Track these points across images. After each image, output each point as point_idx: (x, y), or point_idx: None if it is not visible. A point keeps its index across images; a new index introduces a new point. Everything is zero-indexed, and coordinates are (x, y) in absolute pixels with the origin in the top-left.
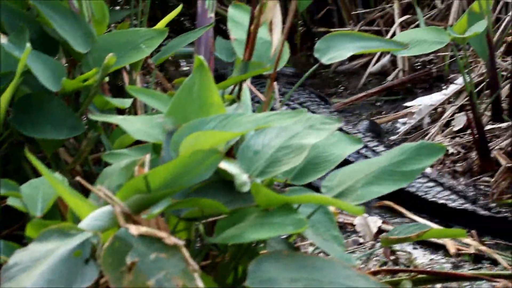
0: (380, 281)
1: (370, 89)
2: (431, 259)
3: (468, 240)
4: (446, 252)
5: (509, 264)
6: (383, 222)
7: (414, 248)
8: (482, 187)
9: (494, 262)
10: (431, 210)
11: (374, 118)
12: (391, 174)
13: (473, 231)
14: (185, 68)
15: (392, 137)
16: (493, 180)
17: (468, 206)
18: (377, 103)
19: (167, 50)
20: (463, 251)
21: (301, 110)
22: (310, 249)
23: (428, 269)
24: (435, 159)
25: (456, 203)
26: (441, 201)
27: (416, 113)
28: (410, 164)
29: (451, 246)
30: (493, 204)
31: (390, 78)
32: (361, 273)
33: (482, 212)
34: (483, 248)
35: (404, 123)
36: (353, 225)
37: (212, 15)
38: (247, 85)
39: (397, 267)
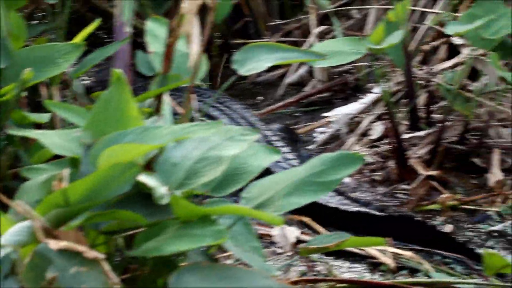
0: None
1: (287, 99)
2: (350, 269)
3: (387, 248)
4: (365, 262)
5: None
6: (301, 233)
7: (334, 258)
8: (400, 195)
9: (413, 270)
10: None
11: (292, 127)
12: (310, 184)
13: (389, 239)
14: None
15: (310, 147)
16: (411, 188)
17: (361, 209)
18: (295, 113)
19: (85, 64)
20: (383, 260)
21: (219, 121)
22: (230, 261)
23: (347, 278)
24: (354, 169)
25: (348, 206)
26: (333, 205)
27: (334, 122)
28: (329, 175)
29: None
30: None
31: (307, 88)
32: (281, 283)
33: (376, 212)
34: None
35: (322, 133)
36: (271, 236)
37: (129, 29)
38: (166, 98)
39: (316, 277)
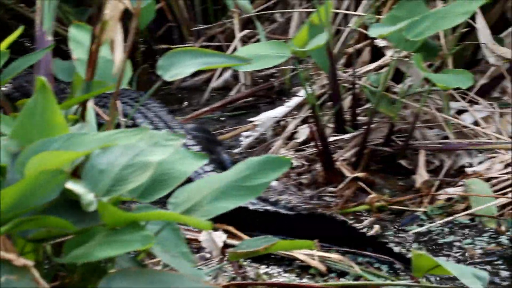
0: None
1: (213, 104)
2: (279, 273)
3: (314, 252)
4: (293, 265)
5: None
6: (229, 237)
7: (263, 263)
8: (327, 198)
9: (342, 273)
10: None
11: (217, 133)
12: (237, 189)
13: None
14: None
15: (236, 150)
16: (338, 189)
17: (270, 208)
18: (221, 118)
19: (9, 72)
20: (311, 263)
21: (145, 128)
22: (159, 267)
23: (277, 282)
24: (281, 172)
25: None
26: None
27: (259, 126)
28: (256, 179)
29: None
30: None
31: (232, 93)
32: (211, 286)
33: (284, 211)
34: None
35: (247, 137)
36: (198, 241)
37: (50, 37)
38: (91, 105)
39: (246, 281)
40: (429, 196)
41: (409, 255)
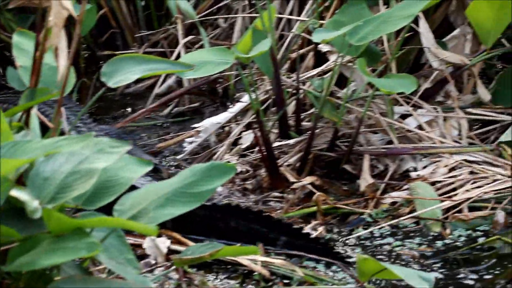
0: None
1: (157, 113)
2: (223, 279)
3: (257, 257)
4: (238, 271)
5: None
6: (174, 243)
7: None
8: (272, 202)
9: (286, 277)
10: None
11: (161, 138)
12: (183, 196)
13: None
14: None
15: (179, 156)
16: (286, 192)
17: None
18: (164, 124)
19: None
20: (255, 269)
21: (88, 134)
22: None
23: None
24: (227, 179)
25: None
26: None
27: (202, 132)
28: (201, 185)
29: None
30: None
31: (176, 99)
32: None
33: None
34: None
35: (191, 143)
36: (142, 248)
37: None
38: (35, 112)
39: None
40: (374, 199)
41: (354, 259)
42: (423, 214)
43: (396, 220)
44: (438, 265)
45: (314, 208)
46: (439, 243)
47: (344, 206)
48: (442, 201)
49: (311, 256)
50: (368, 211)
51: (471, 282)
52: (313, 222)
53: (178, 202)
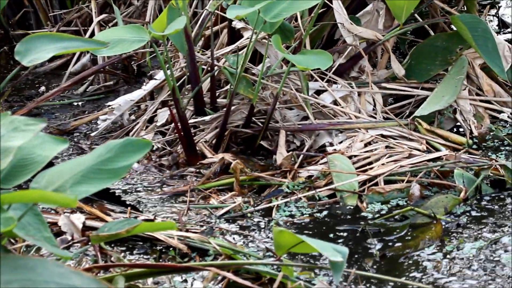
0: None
1: (72, 92)
2: (141, 255)
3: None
4: (156, 246)
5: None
6: (87, 218)
7: (125, 245)
8: (188, 177)
9: (203, 251)
10: None
11: (76, 118)
12: (98, 172)
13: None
14: None
15: (93, 134)
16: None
17: None
18: (79, 103)
19: None
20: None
21: (5, 113)
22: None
23: (140, 263)
24: (142, 154)
25: None
26: None
27: (116, 109)
28: (117, 161)
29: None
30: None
31: (91, 78)
32: (75, 271)
33: None
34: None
35: (104, 120)
36: (58, 225)
37: None
38: None
39: (108, 264)
40: (292, 171)
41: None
42: (340, 186)
43: (313, 192)
44: (351, 236)
45: (231, 179)
46: (355, 215)
47: (262, 175)
48: (359, 174)
49: (224, 228)
50: (286, 180)
51: (381, 251)
52: (230, 193)
53: (94, 179)
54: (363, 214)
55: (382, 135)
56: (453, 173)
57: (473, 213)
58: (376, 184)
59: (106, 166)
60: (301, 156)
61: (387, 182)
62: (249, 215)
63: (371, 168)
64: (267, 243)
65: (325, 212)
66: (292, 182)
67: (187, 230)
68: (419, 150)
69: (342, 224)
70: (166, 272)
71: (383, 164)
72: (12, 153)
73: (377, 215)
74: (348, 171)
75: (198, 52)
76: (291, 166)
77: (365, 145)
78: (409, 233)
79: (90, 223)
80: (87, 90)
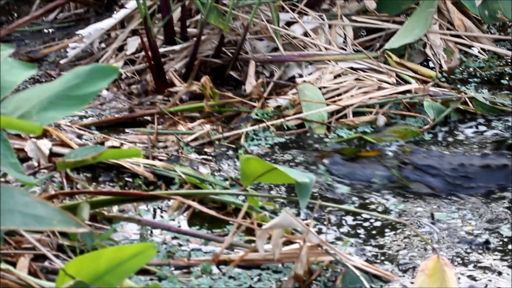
0: (58, 205)
1: (42, 19)
2: (108, 182)
3: (140, 160)
4: (123, 174)
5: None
6: (54, 145)
7: (91, 172)
8: (158, 103)
9: (169, 179)
10: None
11: (46, 45)
12: (66, 98)
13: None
14: None
15: (63, 61)
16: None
17: None
18: (49, 30)
19: None
20: (137, 171)
21: None
22: None
23: (106, 190)
24: (110, 80)
25: None
26: None
27: (86, 37)
28: (84, 88)
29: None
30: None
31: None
32: (40, 200)
33: None
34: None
35: (74, 48)
36: (25, 151)
37: None
38: None
39: (74, 190)
40: (260, 100)
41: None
42: (309, 116)
43: (281, 120)
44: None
45: (200, 104)
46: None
47: (231, 100)
48: (328, 104)
49: (188, 157)
50: (255, 109)
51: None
52: (198, 121)
53: (61, 105)
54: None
55: (352, 68)
56: (421, 105)
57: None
58: (345, 116)
59: (74, 92)
60: (271, 85)
61: (356, 113)
62: (217, 142)
63: (340, 100)
64: (234, 172)
65: (294, 143)
66: (261, 110)
67: (153, 158)
68: (388, 82)
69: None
70: (131, 200)
71: (352, 96)
72: None
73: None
74: (317, 100)
75: None
76: (261, 94)
77: (335, 77)
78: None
79: (57, 149)
80: (57, 17)
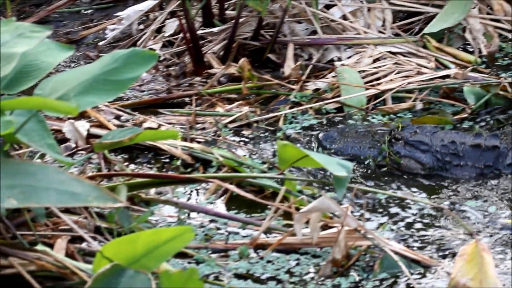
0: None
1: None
2: (145, 164)
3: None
4: (160, 156)
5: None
6: (92, 126)
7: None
8: (196, 85)
9: (206, 162)
10: None
11: (85, 26)
12: (104, 83)
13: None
14: None
15: (101, 43)
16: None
17: None
18: (87, 11)
19: None
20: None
21: (10, 19)
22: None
23: (143, 173)
24: (149, 66)
25: None
26: None
27: (125, 19)
28: (123, 73)
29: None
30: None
31: None
32: (76, 177)
33: None
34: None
35: (113, 30)
36: (62, 132)
37: None
38: None
39: (111, 172)
40: (299, 83)
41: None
42: (348, 100)
43: (321, 103)
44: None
45: (238, 86)
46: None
47: (269, 78)
48: (368, 88)
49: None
50: (293, 92)
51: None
52: (236, 103)
53: (100, 90)
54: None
55: (391, 52)
56: (460, 91)
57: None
58: (384, 100)
59: (112, 77)
60: (309, 68)
61: (394, 98)
62: (255, 124)
63: (379, 84)
64: (271, 155)
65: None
66: (299, 93)
67: (191, 140)
68: (427, 67)
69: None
70: (169, 183)
71: (391, 80)
72: (15, 59)
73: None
74: (356, 84)
75: None
76: (299, 77)
77: (374, 61)
78: None
79: (94, 130)
80: None
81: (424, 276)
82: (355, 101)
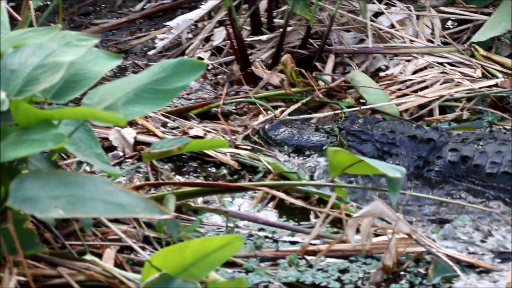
0: (144, 195)
1: (129, 9)
2: (192, 173)
3: (226, 149)
4: (208, 164)
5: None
6: (138, 133)
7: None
8: (241, 93)
9: (253, 168)
10: None
11: (134, 36)
12: (152, 92)
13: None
14: None
15: (151, 52)
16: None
17: None
18: (137, 21)
19: None
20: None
21: (55, 26)
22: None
23: (191, 181)
24: (196, 76)
25: None
26: None
27: (174, 28)
28: (171, 82)
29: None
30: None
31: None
32: (123, 188)
33: None
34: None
35: (162, 39)
36: (109, 140)
37: None
38: (3, 4)
39: (159, 181)
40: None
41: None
42: (382, 107)
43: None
44: None
45: (282, 92)
46: None
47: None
48: (393, 92)
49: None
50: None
51: None
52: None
53: (147, 99)
54: None
55: (438, 62)
56: (509, 99)
57: None
58: (431, 110)
59: (160, 86)
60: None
61: (440, 107)
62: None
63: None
64: (316, 162)
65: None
66: (345, 101)
67: (236, 147)
68: (473, 77)
69: None
70: (218, 191)
71: (437, 90)
72: (63, 68)
73: None
74: (371, 85)
75: None
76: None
77: (420, 70)
78: None
79: (141, 137)
80: (145, 7)
81: (480, 280)
82: (388, 108)
